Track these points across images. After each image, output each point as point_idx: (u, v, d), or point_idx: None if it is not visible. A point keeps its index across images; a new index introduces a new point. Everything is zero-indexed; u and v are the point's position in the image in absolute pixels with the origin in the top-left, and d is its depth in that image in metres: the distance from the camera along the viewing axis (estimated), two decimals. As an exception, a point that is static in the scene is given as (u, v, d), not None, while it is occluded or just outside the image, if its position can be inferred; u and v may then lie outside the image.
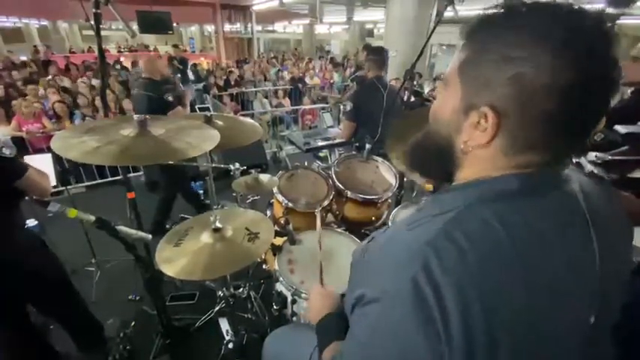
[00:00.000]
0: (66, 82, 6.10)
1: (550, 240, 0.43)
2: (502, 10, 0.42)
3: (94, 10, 1.34)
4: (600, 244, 0.45)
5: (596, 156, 1.10)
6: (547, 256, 0.42)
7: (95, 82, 6.17)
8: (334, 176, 1.83)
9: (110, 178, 3.88)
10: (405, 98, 2.38)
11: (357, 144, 2.00)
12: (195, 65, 8.54)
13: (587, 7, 0.41)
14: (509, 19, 0.42)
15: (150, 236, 1.18)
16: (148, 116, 1.22)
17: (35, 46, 12.14)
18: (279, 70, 9.03)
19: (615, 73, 0.39)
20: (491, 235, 0.42)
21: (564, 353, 0.44)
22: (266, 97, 6.50)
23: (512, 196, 0.44)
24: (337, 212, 1.88)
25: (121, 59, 10.61)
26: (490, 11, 0.43)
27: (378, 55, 2.62)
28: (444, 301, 0.38)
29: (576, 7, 0.40)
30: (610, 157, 1.09)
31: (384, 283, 0.43)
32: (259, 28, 14.33)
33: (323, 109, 5.11)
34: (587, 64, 0.38)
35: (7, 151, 1.19)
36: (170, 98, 2.73)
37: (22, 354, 1.48)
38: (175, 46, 8.30)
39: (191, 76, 7.73)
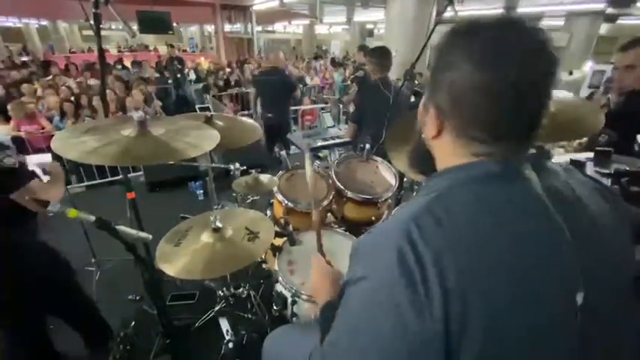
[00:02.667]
0: (71, 83, 6.06)
1: (523, 214, 0.48)
2: (455, 28, 0.51)
3: (93, 10, 1.34)
4: (572, 230, 0.47)
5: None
6: (521, 227, 0.47)
7: (94, 81, 6.16)
8: (334, 176, 1.83)
9: (110, 178, 3.88)
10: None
11: (362, 145, 1.99)
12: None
13: (522, 11, 0.43)
14: (456, 34, 0.51)
15: (150, 236, 1.18)
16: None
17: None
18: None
19: (528, 77, 0.45)
20: (470, 208, 0.48)
21: (545, 328, 0.44)
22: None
23: (489, 178, 0.50)
24: (337, 212, 1.88)
25: (122, 59, 10.59)
26: (452, 28, 0.52)
27: (381, 58, 2.49)
28: (424, 266, 0.42)
29: (504, 21, 0.47)
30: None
31: (372, 261, 0.49)
32: (259, 28, 14.30)
33: (323, 109, 5.10)
34: (500, 69, 0.45)
35: (10, 161, 1.15)
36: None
37: (27, 352, 1.49)
38: (171, 45, 8.23)
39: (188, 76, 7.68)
